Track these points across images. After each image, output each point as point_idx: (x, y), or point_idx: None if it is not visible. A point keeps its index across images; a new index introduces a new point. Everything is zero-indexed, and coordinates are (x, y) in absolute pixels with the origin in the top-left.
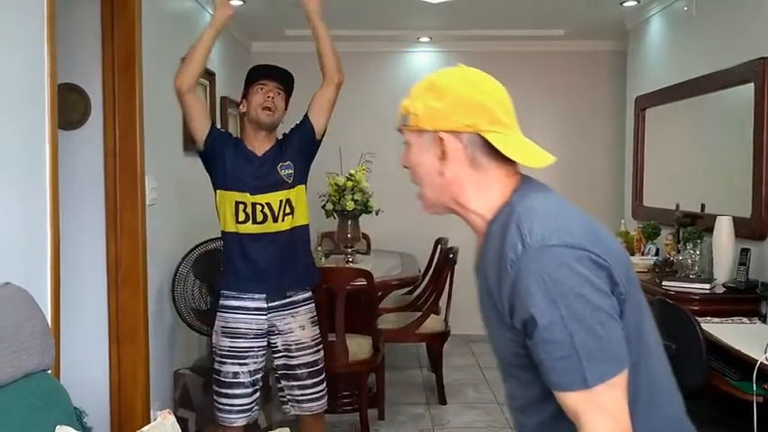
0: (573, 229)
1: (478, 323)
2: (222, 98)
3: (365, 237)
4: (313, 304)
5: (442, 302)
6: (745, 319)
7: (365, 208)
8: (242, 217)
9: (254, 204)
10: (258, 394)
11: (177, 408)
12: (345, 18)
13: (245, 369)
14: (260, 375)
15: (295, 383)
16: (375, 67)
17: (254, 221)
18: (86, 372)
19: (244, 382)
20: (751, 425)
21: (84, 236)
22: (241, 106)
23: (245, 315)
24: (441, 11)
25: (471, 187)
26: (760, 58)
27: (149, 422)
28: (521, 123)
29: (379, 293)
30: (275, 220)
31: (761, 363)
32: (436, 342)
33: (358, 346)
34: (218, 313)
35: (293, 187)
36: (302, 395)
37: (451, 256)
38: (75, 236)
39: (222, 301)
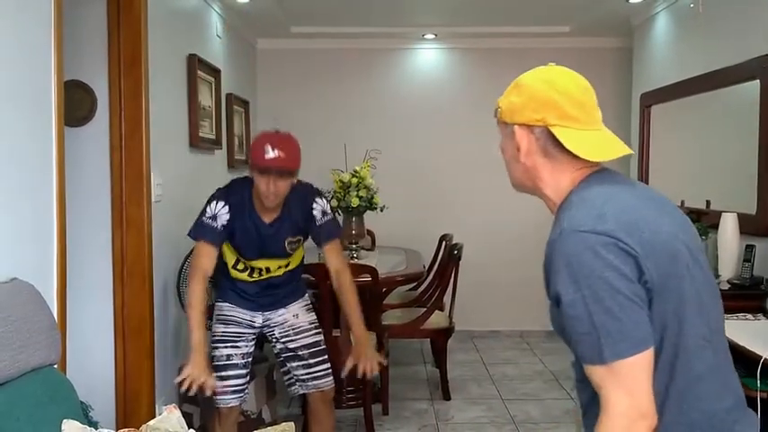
0: (608, 218)
1: (482, 319)
2: (228, 95)
3: (370, 233)
4: (305, 295)
5: (447, 299)
6: (749, 316)
7: (370, 204)
8: (240, 267)
9: (251, 267)
10: (249, 378)
11: (182, 402)
12: (351, 15)
13: (237, 352)
14: (251, 359)
15: (299, 363)
16: (380, 64)
17: (251, 275)
18: (92, 366)
19: (237, 364)
20: None
21: (90, 231)
22: (249, 172)
23: (240, 308)
24: (446, 8)
25: (545, 174)
26: (765, 55)
27: (155, 416)
28: None
29: (384, 289)
30: (271, 272)
31: (765, 359)
32: (440, 338)
33: None
34: (216, 303)
35: (294, 253)
36: (307, 374)
37: (456, 252)
38: (82, 231)
39: (218, 294)
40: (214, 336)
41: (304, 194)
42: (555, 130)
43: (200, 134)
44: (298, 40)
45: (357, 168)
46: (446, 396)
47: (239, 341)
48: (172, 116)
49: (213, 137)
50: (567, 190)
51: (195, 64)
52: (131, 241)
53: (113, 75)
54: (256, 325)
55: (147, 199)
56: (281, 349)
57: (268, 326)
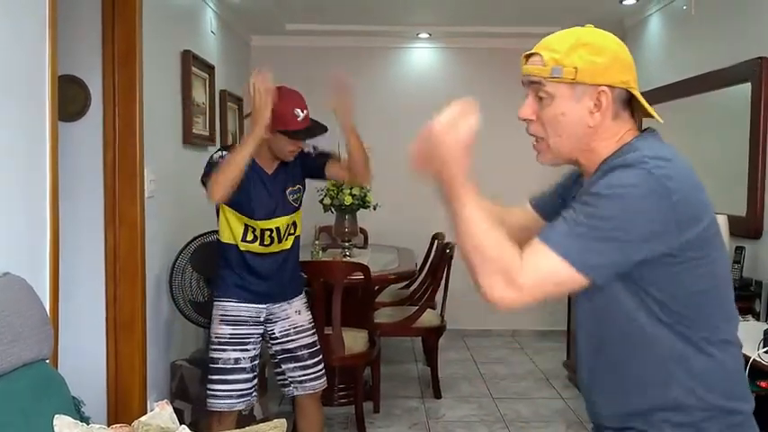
0: (677, 163)
1: (474, 318)
2: (221, 92)
3: (363, 231)
4: (304, 293)
5: (438, 297)
6: (738, 317)
7: (363, 203)
8: (250, 237)
9: (263, 230)
10: (257, 380)
11: (174, 399)
12: (345, 13)
13: (245, 355)
14: (257, 362)
15: (297, 365)
16: (374, 62)
17: (262, 243)
18: (84, 362)
19: (245, 368)
20: None
21: (83, 227)
22: (266, 132)
23: (244, 303)
24: (440, 7)
25: (607, 135)
26: (757, 58)
27: (146, 412)
28: (517, 122)
29: (376, 287)
30: (280, 241)
31: (754, 360)
32: (432, 336)
33: (354, 340)
34: (217, 302)
35: (298, 209)
36: (304, 375)
37: (448, 251)
38: (75, 227)
39: (220, 293)
40: (220, 338)
41: (300, 159)
42: (636, 93)
43: (194, 130)
44: (292, 37)
45: None
46: (437, 394)
47: (248, 343)
48: (166, 112)
49: (207, 133)
50: (616, 147)
51: (189, 60)
52: (124, 237)
53: (107, 70)
54: (261, 320)
55: (140, 195)
56: (277, 351)
57: (270, 321)
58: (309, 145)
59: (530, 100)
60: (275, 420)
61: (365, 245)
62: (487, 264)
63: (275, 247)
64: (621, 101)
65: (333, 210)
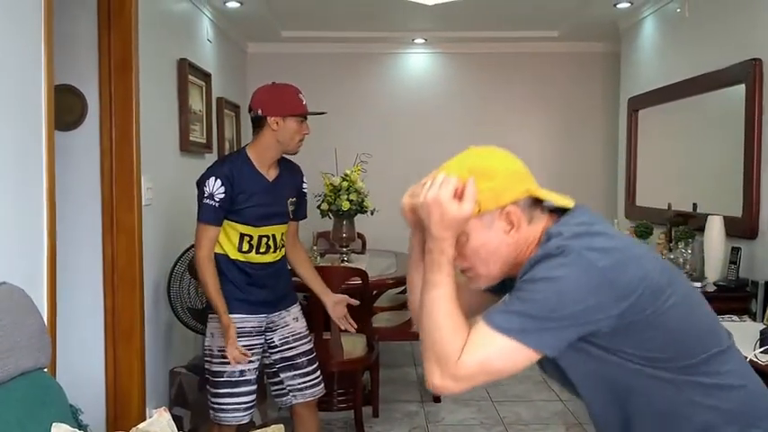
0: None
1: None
2: (218, 99)
3: (360, 236)
4: (298, 301)
5: None
6: (735, 317)
7: (360, 208)
8: (245, 247)
9: (260, 237)
10: (258, 391)
11: (173, 406)
12: (341, 19)
13: (251, 366)
14: (258, 373)
15: (296, 372)
16: (370, 68)
17: (258, 251)
18: (83, 370)
19: (251, 380)
20: None
21: (80, 236)
22: (274, 123)
23: (247, 315)
24: (436, 12)
25: (527, 243)
26: (752, 60)
27: (145, 419)
28: (515, 124)
29: (374, 292)
30: (276, 249)
31: (750, 360)
32: None
33: (353, 345)
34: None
35: (289, 221)
36: (303, 383)
37: None
38: (72, 236)
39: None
40: (214, 352)
41: (296, 168)
42: (539, 193)
43: (191, 138)
44: (288, 44)
45: (347, 172)
46: (436, 398)
47: (253, 354)
48: (162, 120)
49: (204, 141)
50: (538, 237)
51: (186, 68)
52: (122, 245)
53: (104, 79)
54: (263, 330)
55: (137, 203)
56: (276, 360)
57: (270, 329)
58: (306, 186)
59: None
60: (273, 426)
61: (363, 250)
62: (430, 351)
63: (271, 257)
64: (529, 205)
65: (330, 215)
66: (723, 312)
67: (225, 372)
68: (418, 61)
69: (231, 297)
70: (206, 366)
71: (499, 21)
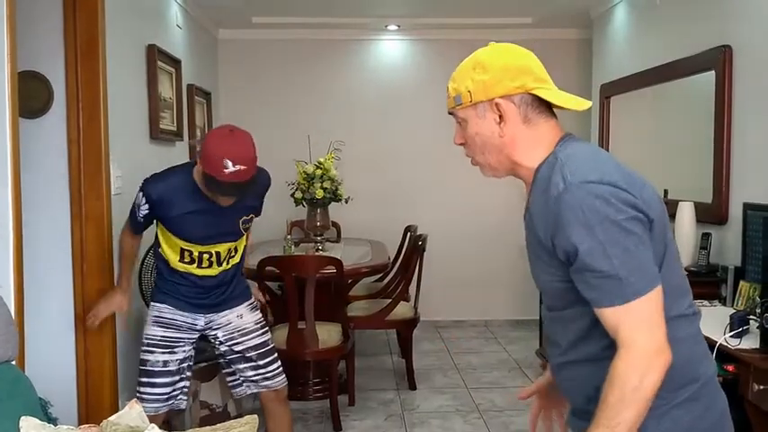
0: (611, 171)
1: (447, 309)
2: (189, 86)
3: (335, 225)
4: (251, 296)
5: (412, 289)
6: (705, 302)
7: (334, 196)
8: (187, 259)
9: (201, 253)
10: (184, 383)
11: None
12: (313, 5)
13: (173, 357)
14: (186, 365)
15: (248, 365)
16: (343, 55)
17: (199, 266)
18: (53, 362)
19: (171, 371)
20: None
21: (48, 225)
22: (198, 172)
23: (180, 311)
24: None
25: (524, 143)
26: (721, 46)
27: (118, 411)
28: None
29: (349, 281)
30: (220, 264)
31: (720, 344)
32: (406, 328)
33: (328, 334)
34: (153, 304)
35: (243, 235)
36: (257, 375)
37: (420, 243)
38: (40, 225)
39: (156, 298)
40: (150, 339)
41: (262, 182)
42: (537, 92)
43: (161, 126)
44: (259, 30)
45: (321, 160)
46: (412, 386)
47: (177, 346)
48: (131, 107)
49: (174, 128)
50: (545, 154)
51: (155, 54)
52: (91, 234)
53: (70, 65)
54: (198, 328)
55: (106, 192)
56: (225, 351)
57: (210, 328)
58: (264, 198)
59: (457, 128)
60: (247, 417)
61: (338, 238)
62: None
63: (214, 270)
64: (528, 104)
65: (304, 204)
66: (694, 298)
67: (148, 361)
68: (392, 48)
69: (166, 290)
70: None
71: (474, 7)
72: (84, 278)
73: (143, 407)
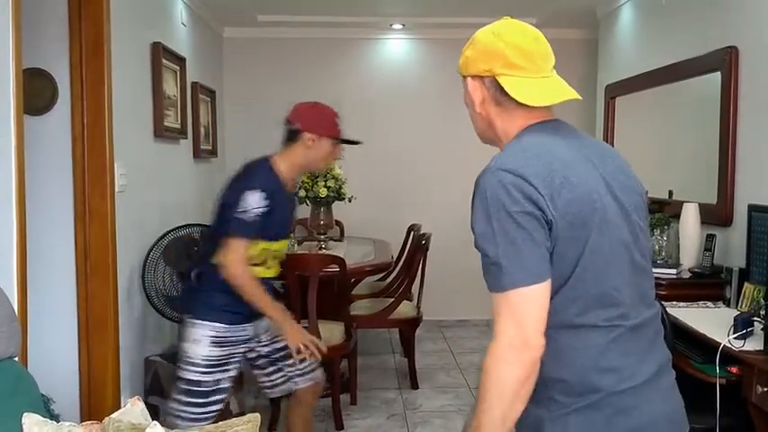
0: (530, 162)
1: (450, 309)
2: (193, 84)
3: (338, 223)
4: None
5: (415, 288)
6: (709, 304)
7: (338, 195)
8: (259, 261)
9: (273, 252)
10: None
11: (148, 395)
12: (318, 4)
13: (226, 375)
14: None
15: (292, 360)
16: (348, 53)
17: (267, 267)
18: (56, 359)
19: (224, 388)
20: (714, 406)
21: (52, 222)
22: (309, 140)
23: (235, 325)
24: None
25: (499, 123)
26: (727, 47)
27: (120, 408)
28: None
29: (352, 280)
30: (279, 258)
31: (724, 346)
32: (408, 328)
33: (330, 332)
34: (203, 323)
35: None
36: (307, 366)
37: (424, 242)
38: (43, 223)
39: (209, 316)
40: (206, 360)
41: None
42: (500, 79)
43: (165, 123)
44: (265, 28)
45: None
46: (414, 385)
47: (230, 363)
48: (136, 105)
49: (178, 126)
50: (512, 137)
51: (159, 52)
52: (95, 232)
53: (75, 62)
54: (247, 338)
55: (110, 189)
56: (269, 352)
57: (257, 335)
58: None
59: None
60: (249, 415)
61: (341, 237)
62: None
63: (273, 272)
64: (497, 88)
65: (308, 202)
66: (698, 299)
67: (202, 382)
68: (396, 47)
69: (219, 306)
70: (182, 375)
71: (479, 6)
72: (89, 276)
73: (178, 424)
